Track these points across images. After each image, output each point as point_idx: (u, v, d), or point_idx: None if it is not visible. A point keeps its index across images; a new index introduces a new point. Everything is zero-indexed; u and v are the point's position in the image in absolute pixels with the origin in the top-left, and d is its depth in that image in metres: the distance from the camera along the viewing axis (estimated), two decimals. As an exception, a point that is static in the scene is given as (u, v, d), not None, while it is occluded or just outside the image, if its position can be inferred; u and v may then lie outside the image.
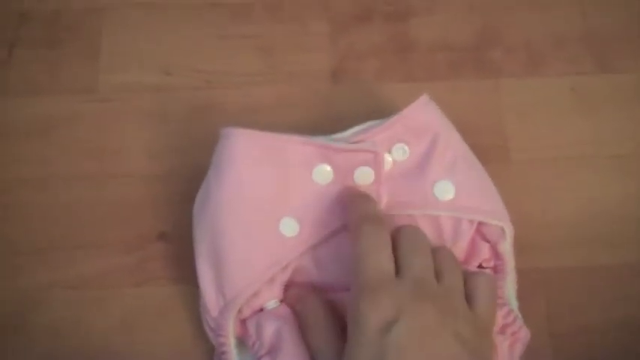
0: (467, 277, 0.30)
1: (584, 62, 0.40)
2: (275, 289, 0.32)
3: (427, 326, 0.26)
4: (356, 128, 0.34)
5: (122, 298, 0.35)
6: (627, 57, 0.40)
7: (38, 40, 0.40)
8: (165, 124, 0.38)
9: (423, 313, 0.27)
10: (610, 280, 0.36)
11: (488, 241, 0.33)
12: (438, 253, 0.31)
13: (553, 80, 0.39)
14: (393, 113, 0.33)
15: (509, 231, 0.33)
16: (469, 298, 0.29)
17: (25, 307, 0.35)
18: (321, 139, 0.33)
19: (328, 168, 0.32)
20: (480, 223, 0.33)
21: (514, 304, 0.33)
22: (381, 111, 0.36)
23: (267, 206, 0.32)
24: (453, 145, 0.33)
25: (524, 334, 0.31)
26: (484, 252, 0.33)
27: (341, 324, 0.30)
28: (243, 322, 0.32)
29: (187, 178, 0.36)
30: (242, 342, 0.32)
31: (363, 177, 0.32)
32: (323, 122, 0.38)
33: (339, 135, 0.34)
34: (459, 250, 0.33)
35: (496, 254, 0.33)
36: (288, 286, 0.33)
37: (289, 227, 0.32)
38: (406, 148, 0.33)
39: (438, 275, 0.29)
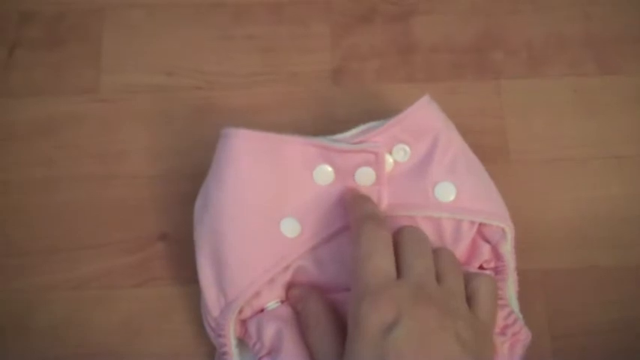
0: (467, 279, 0.30)
1: (585, 64, 0.40)
2: (276, 289, 0.32)
3: (427, 328, 0.26)
4: (357, 129, 0.34)
5: (123, 298, 0.35)
6: (629, 59, 0.40)
7: (39, 40, 0.40)
8: (167, 124, 0.38)
9: (423, 315, 0.27)
10: (611, 281, 0.36)
11: (489, 242, 0.33)
12: (438, 254, 0.30)
13: (554, 82, 0.39)
14: (394, 114, 0.33)
15: (510, 232, 0.33)
16: (470, 300, 0.29)
17: (26, 307, 0.35)
18: (321, 140, 0.33)
19: (329, 168, 0.32)
20: (481, 224, 0.33)
21: (515, 305, 0.33)
22: (382, 112, 0.36)
23: (267, 207, 0.32)
24: (454, 145, 0.33)
25: (525, 335, 0.31)
26: (485, 253, 0.33)
27: (342, 324, 0.30)
28: (243, 322, 0.32)
29: (189, 178, 0.36)
30: (243, 342, 0.32)
31: (364, 177, 0.32)
32: (324, 123, 0.38)
33: (339, 135, 0.34)
34: (460, 251, 0.33)
35: (497, 255, 0.33)
36: (289, 287, 0.33)
37: (290, 228, 0.32)
38: (407, 148, 0.33)
39: (438, 277, 0.29)
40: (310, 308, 0.31)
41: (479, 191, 0.33)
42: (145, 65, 0.39)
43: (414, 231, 0.31)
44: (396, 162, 0.33)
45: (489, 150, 0.36)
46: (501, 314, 0.31)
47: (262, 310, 0.32)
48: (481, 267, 0.33)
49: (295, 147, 0.32)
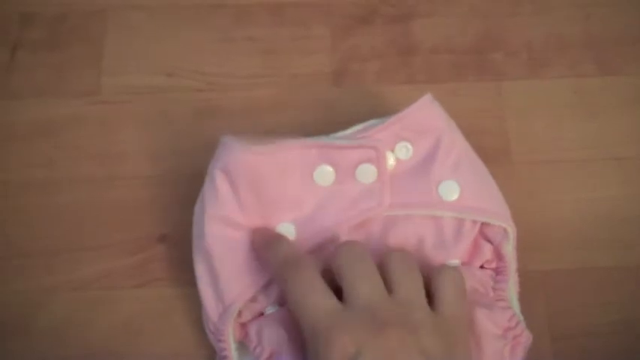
0: (431, 275, 0.30)
1: (585, 65, 0.40)
2: (272, 294, 0.32)
3: (391, 353, 0.26)
4: (357, 126, 0.34)
5: (123, 300, 0.35)
6: (629, 60, 0.40)
7: (41, 42, 0.40)
8: (168, 126, 0.38)
9: (383, 340, 0.26)
10: (611, 282, 0.36)
11: (491, 243, 0.33)
12: (388, 261, 0.29)
13: (555, 83, 0.39)
14: (395, 112, 0.33)
15: (512, 233, 0.33)
16: (434, 298, 0.29)
17: (27, 309, 0.35)
18: (320, 139, 0.33)
19: (329, 168, 0.32)
20: (483, 225, 0.33)
21: (516, 306, 0.33)
22: (383, 113, 0.36)
23: (263, 213, 0.32)
24: (457, 145, 0.33)
25: (526, 338, 0.31)
26: (487, 253, 0.33)
27: None
28: (244, 325, 0.32)
29: (189, 180, 0.36)
30: (243, 345, 0.32)
31: (365, 175, 0.32)
32: (325, 124, 0.38)
33: (340, 133, 0.34)
34: (461, 250, 0.32)
35: (499, 256, 0.33)
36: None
37: (286, 233, 0.32)
38: (410, 146, 0.33)
39: (390, 286, 0.28)
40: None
41: (482, 191, 0.33)
42: (145, 67, 0.40)
43: (351, 249, 0.29)
44: (398, 160, 0.33)
45: (490, 151, 0.36)
46: (504, 317, 0.31)
47: (262, 314, 0.32)
48: (482, 267, 0.33)
49: (294, 151, 0.32)
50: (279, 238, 0.31)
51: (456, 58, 0.40)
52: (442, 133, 0.33)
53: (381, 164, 0.32)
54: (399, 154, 0.33)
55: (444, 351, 0.27)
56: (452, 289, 0.29)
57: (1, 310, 0.35)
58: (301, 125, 0.38)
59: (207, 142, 0.35)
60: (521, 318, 0.32)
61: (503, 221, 0.32)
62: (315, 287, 0.28)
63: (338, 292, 0.28)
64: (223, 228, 0.31)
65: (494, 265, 0.33)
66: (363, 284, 0.28)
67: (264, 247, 0.31)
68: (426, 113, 0.33)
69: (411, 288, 0.28)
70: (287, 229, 0.32)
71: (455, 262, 0.32)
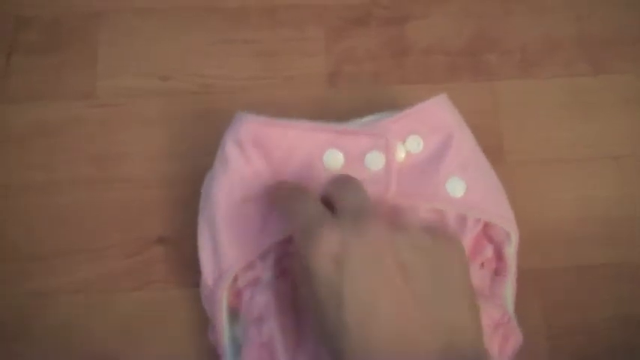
0: None
1: (578, 64, 0.40)
2: (269, 263, 0.32)
3: (378, 247, 0.26)
4: (368, 117, 0.34)
5: (122, 301, 0.35)
6: (621, 59, 0.40)
7: (36, 46, 0.40)
8: (164, 128, 0.38)
9: (370, 236, 0.26)
10: (607, 280, 0.36)
11: (493, 243, 0.33)
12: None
13: (549, 83, 0.40)
14: (405, 107, 0.33)
15: (515, 237, 0.33)
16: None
17: (26, 312, 0.35)
18: (333, 124, 0.33)
19: (339, 153, 0.32)
20: (487, 225, 0.33)
21: (510, 307, 0.33)
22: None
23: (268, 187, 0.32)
24: (468, 146, 0.34)
25: (516, 338, 0.32)
26: (488, 252, 0.33)
27: None
28: (238, 293, 0.32)
29: (186, 182, 0.36)
30: (234, 317, 0.32)
31: (374, 162, 0.32)
32: (320, 125, 0.38)
33: (353, 121, 0.34)
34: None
35: (499, 256, 0.33)
36: (279, 259, 0.33)
37: None
38: (420, 140, 0.33)
39: None
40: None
41: (488, 193, 0.33)
42: (142, 69, 0.40)
43: (342, 176, 0.30)
44: (408, 153, 0.33)
45: (484, 151, 0.36)
46: (497, 312, 0.32)
47: (256, 282, 0.32)
48: (482, 265, 0.33)
49: (306, 132, 0.32)
50: (303, 192, 0.30)
51: (450, 59, 0.40)
52: (454, 131, 0.33)
53: (389, 153, 0.32)
54: (409, 147, 0.33)
55: (435, 247, 0.27)
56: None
57: (1, 312, 0.35)
58: (297, 127, 0.38)
59: (205, 143, 0.35)
60: (514, 318, 0.32)
61: (506, 225, 0.33)
62: (305, 197, 0.29)
63: None
64: (230, 194, 0.32)
65: (494, 265, 0.33)
66: (353, 193, 0.28)
67: (287, 198, 0.31)
68: (440, 111, 0.34)
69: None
70: None
71: None
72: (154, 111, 0.39)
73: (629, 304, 0.36)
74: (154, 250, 0.36)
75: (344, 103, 0.39)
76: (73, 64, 0.40)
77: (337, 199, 0.28)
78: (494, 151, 0.38)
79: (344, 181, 0.29)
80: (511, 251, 0.33)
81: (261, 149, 0.32)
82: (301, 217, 0.28)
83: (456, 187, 0.32)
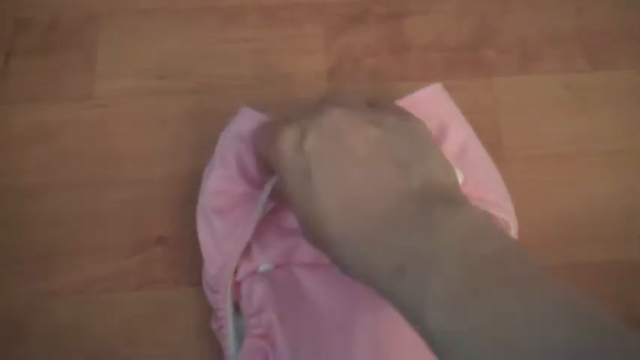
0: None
1: (577, 60, 0.40)
2: (266, 253, 0.32)
3: (335, 124, 0.27)
4: None
5: (122, 302, 0.35)
6: (620, 54, 0.40)
7: (34, 48, 0.40)
8: (163, 128, 0.38)
9: (325, 118, 0.27)
10: (606, 276, 0.36)
11: None
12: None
13: (547, 78, 0.40)
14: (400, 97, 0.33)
15: (514, 226, 0.33)
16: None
17: (25, 313, 0.35)
18: None
19: None
20: None
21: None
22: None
23: (266, 177, 0.32)
24: (464, 134, 0.34)
25: None
26: None
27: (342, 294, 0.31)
28: (238, 285, 0.32)
29: (185, 181, 0.36)
30: (236, 308, 0.32)
31: None
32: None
33: None
34: None
35: None
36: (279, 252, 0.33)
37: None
38: None
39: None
40: None
41: (485, 182, 0.33)
42: (140, 70, 0.40)
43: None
44: None
45: (484, 146, 0.36)
46: None
47: (255, 273, 0.32)
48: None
49: None
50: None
51: (449, 55, 0.40)
52: (449, 120, 0.33)
53: None
54: None
55: (396, 122, 0.27)
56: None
57: (1, 312, 0.35)
58: (296, 125, 0.38)
59: (204, 143, 0.35)
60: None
61: (505, 214, 0.33)
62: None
63: None
64: (225, 184, 0.32)
65: None
66: (340, 96, 0.30)
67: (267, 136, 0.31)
68: (435, 100, 0.34)
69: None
70: None
71: None
72: (152, 111, 0.39)
73: (628, 300, 0.35)
74: (154, 250, 0.36)
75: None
76: (71, 66, 0.40)
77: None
78: (493, 146, 0.37)
79: (336, 92, 0.30)
80: None
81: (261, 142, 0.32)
82: (270, 132, 0.29)
83: None
